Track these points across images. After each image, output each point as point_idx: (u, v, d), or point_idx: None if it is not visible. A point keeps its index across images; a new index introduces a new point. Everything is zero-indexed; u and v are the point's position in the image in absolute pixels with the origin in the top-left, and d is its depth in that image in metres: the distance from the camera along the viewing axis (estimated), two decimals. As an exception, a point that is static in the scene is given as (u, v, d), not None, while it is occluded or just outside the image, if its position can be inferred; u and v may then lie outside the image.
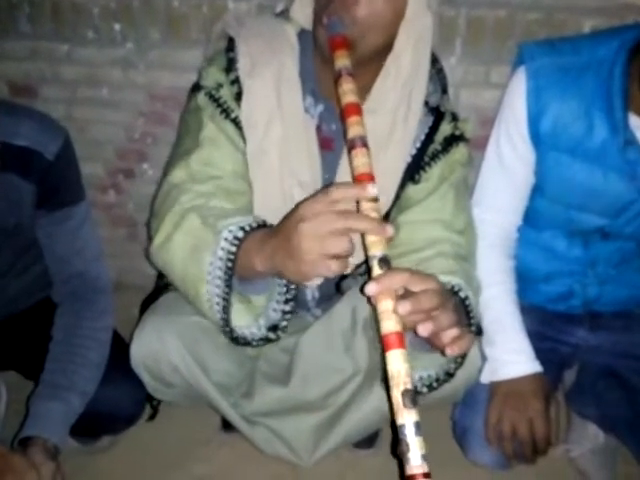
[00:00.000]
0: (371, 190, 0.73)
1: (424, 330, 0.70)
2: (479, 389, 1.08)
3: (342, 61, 0.88)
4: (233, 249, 0.85)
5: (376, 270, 0.72)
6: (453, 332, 0.73)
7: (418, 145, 1.03)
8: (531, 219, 1.16)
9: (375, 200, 0.75)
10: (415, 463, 0.64)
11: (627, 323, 1.20)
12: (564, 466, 1.27)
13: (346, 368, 1.11)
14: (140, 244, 1.70)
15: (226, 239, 0.86)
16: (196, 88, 1.05)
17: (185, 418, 1.34)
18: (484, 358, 1.08)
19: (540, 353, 1.09)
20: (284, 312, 0.92)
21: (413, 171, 1.04)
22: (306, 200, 0.75)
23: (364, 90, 0.98)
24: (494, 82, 1.32)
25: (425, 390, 0.96)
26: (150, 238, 0.99)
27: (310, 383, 1.13)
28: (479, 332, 1.09)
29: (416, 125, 1.01)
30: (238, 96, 1.01)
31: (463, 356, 0.94)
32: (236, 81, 1.01)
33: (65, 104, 1.54)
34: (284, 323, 0.93)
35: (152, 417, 1.24)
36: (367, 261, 0.74)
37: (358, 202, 0.76)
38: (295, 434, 1.14)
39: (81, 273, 1.13)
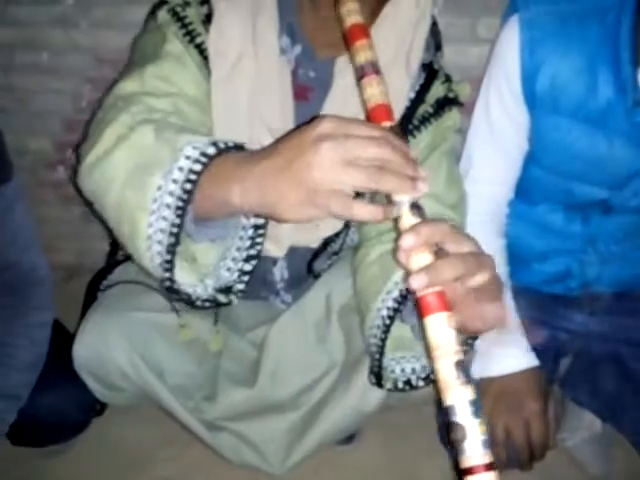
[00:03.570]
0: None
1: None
2: None
3: None
4: (197, 167, 0.65)
5: (408, 218, 0.59)
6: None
7: (407, 104, 0.93)
8: (524, 191, 1.08)
9: (398, 133, 0.62)
10: (475, 452, 0.53)
11: (631, 305, 1.13)
12: (558, 455, 1.20)
13: (320, 363, 1.06)
14: (97, 224, 1.59)
15: (188, 157, 0.65)
16: (157, 5, 0.92)
17: (148, 415, 1.26)
18: (473, 351, 0.98)
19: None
20: (242, 272, 0.74)
21: None
22: (326, 116, 0.59)
23: None
24: (481, 37, 1.28)
25: (421, 384, 0.88)
26: (78, 162, 0.79)
27: (280, 381, 1.08)
28: None
29: (410, 85, 0.92)
30: (207, 18, 0.88)
31: None
32: (206, 1, 0.89)
33: (1, 72, 1.45)
34: (240, 286, 0.75)
35: (99, 412, 1.18)
36: (389, 205, 0.60)
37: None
38: (265, 439, 1.07)
39: (13, 264, 1.03)
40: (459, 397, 0.54)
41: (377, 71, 0.67)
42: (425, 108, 0.95)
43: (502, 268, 1.04)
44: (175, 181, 0.65)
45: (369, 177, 0.55)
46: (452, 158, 0.97)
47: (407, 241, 0.57)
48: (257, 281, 0.78)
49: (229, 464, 1.12)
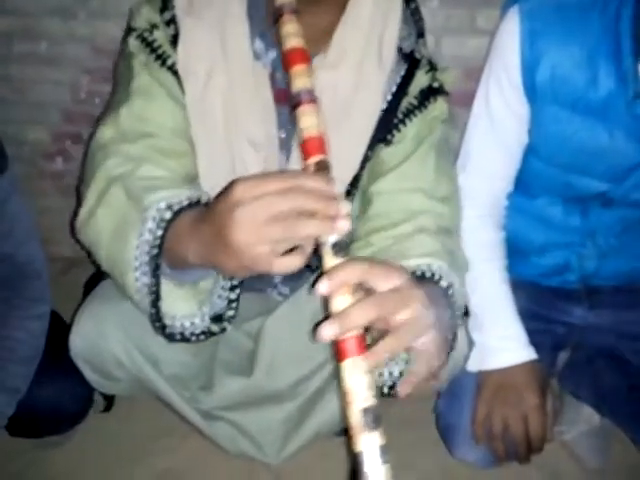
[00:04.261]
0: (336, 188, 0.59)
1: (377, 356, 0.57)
2: (466, 378, 0.99)
3: None
4: (159, 232, 0.71)
5: (329, 259, 0.59)
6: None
7: (389, 98, 0.91)
8: (523, 184, 1.07)
9: (326, 168, 0.62)
10: None
11: (630, 299, 1.12)
12: (556, 449, 1.22)
13: (317, 354, 1.04)
14: None
15: (153, 218, 0.72)
16: (127, 32, 0.92)
17: (145, 406, 1.26)
18: (471, 343, 0.99)
19: (533, 335, 1.01)
20: (230, 300, 0.78)
21: (384, 130, 0.91)
22: (243, 178, 0.61)
23: (327, 35, 0.87)
24: (480, 28, 1.26)
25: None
26: (78, 207, 0.86)
27: (277, 372, 1.06)
28: (466, 313, 1.00)
29: (387, 77, 0.89)
30: (174, 39, 0.88)
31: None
32: (172, 21, 0.88)
33: (0, 62, 1.44)
34: (230, 312, 0.79)
35: (107, 409, 1.18)
36: (316, 249, 0.60)
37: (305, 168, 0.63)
38: (261, 429, 1.07)
39: (10, 256, 1.02)
40: (368, 444, 0.53)
41: (313, 100, 0.67)
42: (409, 100, 0.92)
43: (502, 261, 1.04)
44: (147, 242, 0.72)
45: (285, 230, 0.57)
46: (442, 150, 0.94)
47: (321, 287, 0.56)
48: (255, 275, 0.78)
49: (227, 455, 1.12)
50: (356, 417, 0.53)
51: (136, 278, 0.75)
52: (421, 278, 0.74)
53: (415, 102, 0.92)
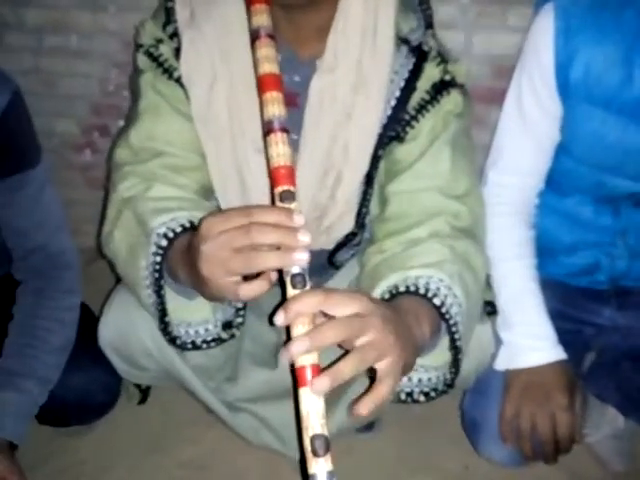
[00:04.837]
0: (297, 219, 0.61)
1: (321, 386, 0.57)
2: (493, 377, 0.99)
3: (260, 19, 0.75)
4: (158, 259, 0.78)
5: (289, 289, 0.61)
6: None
7: (398, 94, 0.88)
8: (554, 183, 1.05)
9: (290, 198, 0.65)
10: None
11: None
12: (579, 451, 1.17)
13: (340, 350, 1.01)
14: None
15: (155, 243, 0.78)
16: (136, 49, 0.93)
17: (170, 396, 1.27)
18: (498, 342, 0.98)
19: (561, 335, 0.99)
20: (237, 308, 0.84)
21: (396, 127, 0.89)
22: (210, 215, 0.65)
23: (323, 33, 0.87)
24: (512, 25, 1.25)
25: (422, 399, 0.84)
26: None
27: None
28: (493, 312, 0.99)
29: (389, 69, 0.87)
30: (177, 52, 0.89)
31: (457, 367, 0.81)
32: (175, 34, 0.89)
33: (31, 54, 1.46)
34: (239, 320, 0.85)
35: (142, 401, 1.21)
36: (280, 276, 0.63)
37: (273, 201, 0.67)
38: (284, 422, 1.05)
39: (42, 247, 1.04)
40: (318, 468, 0.56)
41: (283, 129, 0.68)
42: (420, 95, 0.89)
43: (531, 259, 1.03)
44: (152, 264, 0.78)
45: (246, 262, 0.60)
46: (457, 145, 0.90)
47: (278, 318, 0.57)
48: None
49: (250, 446, 1.12)
50: (307, 443, 0.56)
51: (148, 295, 0.82)
52: (414, 293, 0.75)
53: (427, 97, 0.89)
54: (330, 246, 0.98)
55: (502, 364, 0.99)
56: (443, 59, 0.90)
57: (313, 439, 0.56)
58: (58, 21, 1.40)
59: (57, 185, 1.07)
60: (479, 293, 0.87)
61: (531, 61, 0.97)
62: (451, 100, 0.89)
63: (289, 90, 0.88)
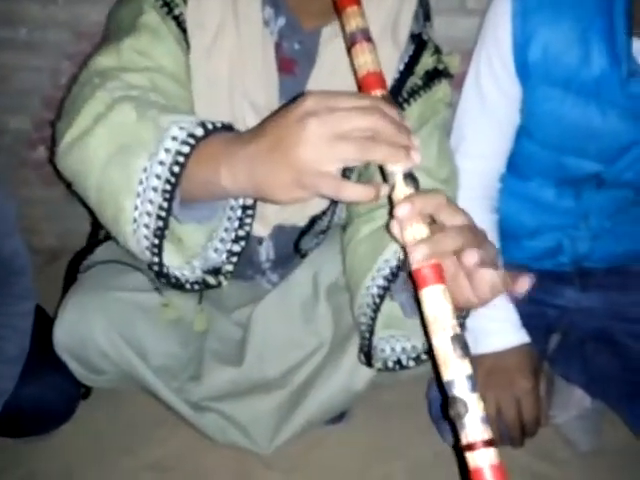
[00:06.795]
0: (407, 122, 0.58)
1: (471, 257, 0.56)
2: None
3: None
4: (185, 150, 0.62)
5: (401, 188, 0.57)
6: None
7: (396, 76, 0.90)
8: (516, 166, 1.06)
9: (391, 102, 0.60)
10: (474, 428, 0.52)
11: (622, 281, 1.12)
12: (547, 432, 1.18)
13: (307, 342, 1.04)
14: (80, 205, 1.57)
15: (175, 138, 0.63)
16: None
17: (134, 398, 1.23)
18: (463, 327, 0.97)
19: (525, 318, 1.00)
20: (231, 253, 0.72)
21: None
22: (311, 92, 0.57)
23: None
24: (470, 8, 1.24)
25: (412, 364, 0.86)
26: (55, 141, 0.75)
27: (267, 361, 1.06)
28: None
29: (398, 57, 0.90)
30: None
31: None
32: None
33: None
34: (229, 267, 0.72)
35: (85, 396, 1.15)
36: (383, 176, 0.59)
37: None
38: (252, 419, 1.05)
39: None
40: (457, 372, 0.53)
41: (368, 38, 0.65)
42: (414, 80, 0.92)
43: (495, 244, 1.04)
44: (162, 163, 0.62)
45: (359, 148, 0.53)
46: (443, 132, 0.94)
47: (401, 210, 0.55)
48: (243, 261, 0.74)
49: (217, 445, 1.10)
50: (446, 345, 0.53)
51: (135, 206, 0.65)
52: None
53: (420, 82, 0.91)
54: (302, 222, 0.98)
55: (466, 349, 0.99)
56: (437, 49, 0.94)
57: (454, 339, 0.53)
58: (7, 13, 1.34)
59: (12, 184, 1.03)
60: None
61: (489, 44, 0.98)
62: (442, 88, 0.93)
63: (287, 56, 0.89)
